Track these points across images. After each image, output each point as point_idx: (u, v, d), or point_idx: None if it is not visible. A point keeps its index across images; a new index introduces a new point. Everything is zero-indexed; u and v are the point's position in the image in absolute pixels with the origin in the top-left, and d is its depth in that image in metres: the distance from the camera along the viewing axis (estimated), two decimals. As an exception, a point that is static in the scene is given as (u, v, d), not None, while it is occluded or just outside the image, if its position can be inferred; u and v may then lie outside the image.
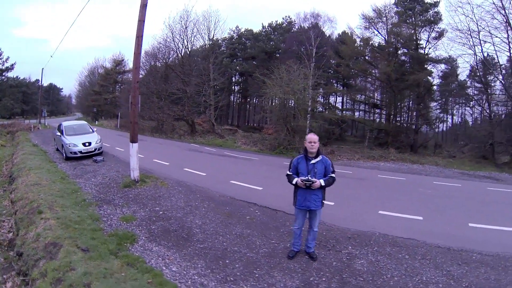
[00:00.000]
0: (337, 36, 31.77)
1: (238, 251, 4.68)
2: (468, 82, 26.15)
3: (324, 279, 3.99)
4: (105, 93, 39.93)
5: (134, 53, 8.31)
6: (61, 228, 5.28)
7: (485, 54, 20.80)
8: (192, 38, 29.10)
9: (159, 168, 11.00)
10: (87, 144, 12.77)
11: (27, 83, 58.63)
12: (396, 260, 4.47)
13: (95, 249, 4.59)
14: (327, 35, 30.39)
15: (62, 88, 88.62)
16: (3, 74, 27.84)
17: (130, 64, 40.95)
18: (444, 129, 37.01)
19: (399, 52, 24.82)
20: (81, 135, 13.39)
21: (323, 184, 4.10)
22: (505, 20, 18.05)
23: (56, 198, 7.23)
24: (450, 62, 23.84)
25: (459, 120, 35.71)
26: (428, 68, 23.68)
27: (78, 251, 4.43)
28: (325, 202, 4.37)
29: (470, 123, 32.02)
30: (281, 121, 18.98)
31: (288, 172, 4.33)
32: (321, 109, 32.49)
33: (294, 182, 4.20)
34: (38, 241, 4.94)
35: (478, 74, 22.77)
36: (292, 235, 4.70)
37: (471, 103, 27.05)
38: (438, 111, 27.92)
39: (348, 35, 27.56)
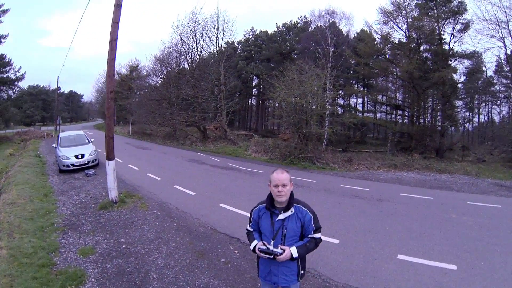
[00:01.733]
0: (355, 34, 30.20)
1: (192, 317, 3.54)
2: (495, 79, 24.00)
3: None
4: (120, 99, 39.99)
5: (108, 59, 7.44)
6: (7, 262, 4.67)
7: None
8: (201, 42, 28.16)
9: (149, 184, 10.12)
10: (79, 156, 12.13)
11: (46, 90, 60.96)
12: None
13: (30, 293, 3.92)
14: (345, 34, 28.98)
15: (82, 95, 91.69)
16: (14, 83, 28.69)
17: (144, 71, 40.84)
18: (470, 129, 34.39)
19: (421, 48, 22.80)
20: (75, 147, 12.83)
21: (295, 255, 2.44)
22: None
23: (23, 221, 6.60)
24: (476, 57, 21.64)
25: (485, 119, 33.03)
26: (453, 64, 21.57)
27: (8, 295, 3.80)
28: (304, 271, 2.70)
29: (497, 122, 29.61)
30: (292, 128, 17.48)
31: (248, 228, 2.78)
32: (341, 111, 30.81)
33: (252, 247, 2.60)
34: (-19, 277, 4.36)
35: (506, 68, 20.62)
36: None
37: (498, 100, 24.74)
38: (464, 110, 25.65)
39: (366, 32, 25.86)
